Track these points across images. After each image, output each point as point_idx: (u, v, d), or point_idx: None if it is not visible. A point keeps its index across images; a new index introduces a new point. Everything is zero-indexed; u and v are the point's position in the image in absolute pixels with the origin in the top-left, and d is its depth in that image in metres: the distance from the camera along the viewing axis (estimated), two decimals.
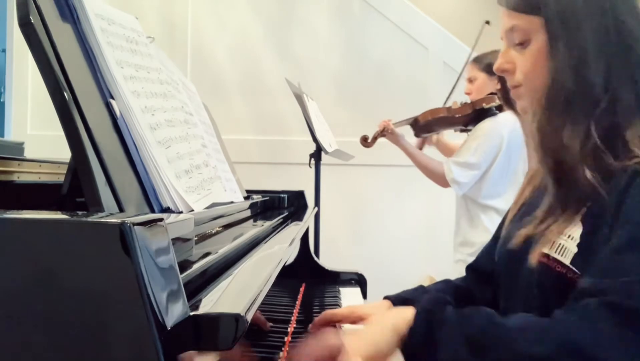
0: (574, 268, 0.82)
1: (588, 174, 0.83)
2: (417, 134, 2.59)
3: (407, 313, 0.85)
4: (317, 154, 2.64)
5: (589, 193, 0.83)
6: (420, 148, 2.69)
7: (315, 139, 2.50)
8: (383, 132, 2.53)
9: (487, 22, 2.63)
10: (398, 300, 1.06)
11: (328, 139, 2.70)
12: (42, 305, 0.48)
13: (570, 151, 0.85)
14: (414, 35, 3.65)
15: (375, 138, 2.59)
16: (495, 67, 0.99)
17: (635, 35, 0.88)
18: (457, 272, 2.41)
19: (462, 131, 2.55)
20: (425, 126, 2.52)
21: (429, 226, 3.61)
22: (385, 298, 1.09)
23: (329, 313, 1.08)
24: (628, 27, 0.87)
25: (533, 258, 0.87)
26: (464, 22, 6.40)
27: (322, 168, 2.69)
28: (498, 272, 1.01)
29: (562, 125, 0.86)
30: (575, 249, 0.83)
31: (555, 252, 0.85)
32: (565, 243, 0.84)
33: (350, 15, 3.66)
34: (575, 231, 0.84)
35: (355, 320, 1.05)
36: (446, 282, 1.14)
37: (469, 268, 1.14)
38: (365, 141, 2.62)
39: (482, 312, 0.81)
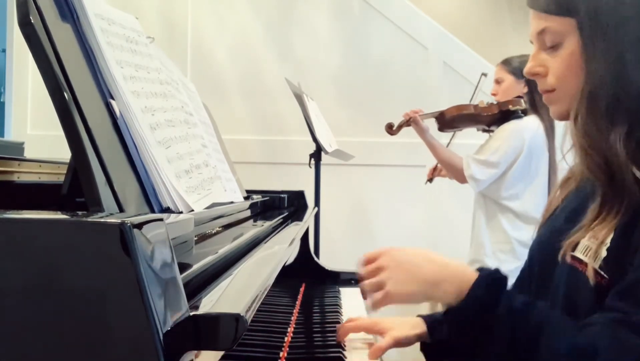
0: (602, 272, 0.81)
1: (638, 173, 0.80)
2: (441, 128, 2.60)
3: (470, 275, 0.88)
4: (317, 154, 2.64)
5: (633, 195, 0.81)
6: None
7: (315, 139, 2.50)
8: (409, 122, 2.53)
9: (484, 75, 2.71)
10: (432, 320, 1.07)
11: (328, 139, 2.70)
12: (41, 304, 0.48)
13: (617, 151, 0.83)
14: (414, 35, 3.65)
15: (400, 127, 2.59)
16: (525, 71, 0.95)
17: None
18: None
19: (484, 130, 2.57)
20: (451, 120, 2.54)
21: (428, 226, 3.61)
22: (419, 316, 1.10)
23: (352, 321, 1.14)
24: None
25: (566, 259, 0.87)
26: (464, 22, 6.41)
27: (322, 168, 2.69)
28: (530, 271, 1.01)
29: (607, 127, 0.84)
30: (605, 254, 0.81)
31: (586, 255, 0.84)
32: (597, 246, 0.83)
33: (350, 15, 3.66)
34: (609, 236, 0.82)
35: (375, 333, 1.07)
36: None
37: (515, 284, 1.11)
38: (390, 129, 2.63)
39: (534, 314, 0.83)
